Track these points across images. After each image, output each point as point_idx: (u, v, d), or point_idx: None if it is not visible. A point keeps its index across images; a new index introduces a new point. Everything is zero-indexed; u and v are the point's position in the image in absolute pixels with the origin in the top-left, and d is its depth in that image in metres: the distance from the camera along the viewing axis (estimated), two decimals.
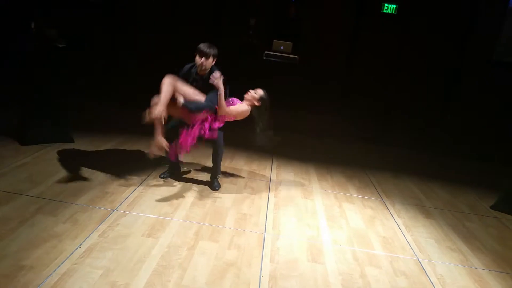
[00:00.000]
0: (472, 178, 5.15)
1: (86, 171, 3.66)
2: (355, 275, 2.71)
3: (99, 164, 3.84)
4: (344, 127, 6.72)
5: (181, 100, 3.28)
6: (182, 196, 3.49)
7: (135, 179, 3.66)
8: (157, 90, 3.24)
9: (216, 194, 3.65)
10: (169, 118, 3.38)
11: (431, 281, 2.76)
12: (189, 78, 3.48)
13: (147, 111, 3.25)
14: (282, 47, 6.80)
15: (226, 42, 6.94)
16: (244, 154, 4.82)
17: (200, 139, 3.45)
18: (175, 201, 3.37)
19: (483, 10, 7.07)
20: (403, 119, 7.23)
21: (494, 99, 7.10)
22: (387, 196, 4.17)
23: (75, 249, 2.51)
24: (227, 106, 3.50)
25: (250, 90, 3.69)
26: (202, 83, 3.43)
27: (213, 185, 3.74)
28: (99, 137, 4.62)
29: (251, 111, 3.66)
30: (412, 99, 7.39)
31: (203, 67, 3.40)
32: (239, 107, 3.60)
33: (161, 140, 3.32)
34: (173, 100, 3.27)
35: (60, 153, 4.00)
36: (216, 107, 3.42)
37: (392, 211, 3.83)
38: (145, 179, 3.70)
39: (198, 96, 3.38)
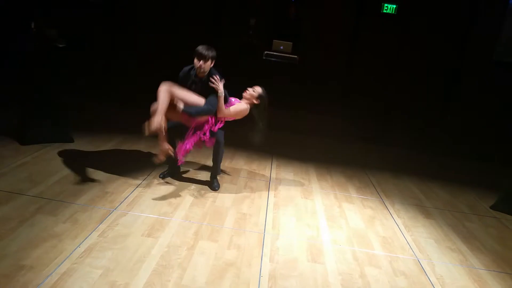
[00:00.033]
0: (472, 178, 5.14)
1: (86, 171, 3.67)
2: (355, 275, 2.71)
3: (99, 164, 3.84)
4: (344, 127, 6.72)
5: (180, 106, 3.26)
6: (182, 196, 3.49)
7: (135, 179, 3.66)
8: (157, 90, 3.23)
9: (215, 194, 3.65)
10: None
11: (430, 281, 2.76)
12: (188, 81, 3.47)
13: (147, 123, 3.22)
14: (282, 47, 6.80)
15: (226, 42, 6.96)
16: (244, 154, 4.82)
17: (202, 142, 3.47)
18: (174, 201, 3.37)
19: (483, 10, 7.08)
20: (403, 119, 7.23)
21: (494, 99, 7.10)
22: (387, 196, 4.17)
23: (75, 249, 2.51)
24: (226, 107, 3.50)
25: (248, 88, 3.67)
26: (201, 86, 3.43)
27: (213, 185, 3.74)
28: (99, 137, 4.62)
29: (250, 110, 3.65)
30: (412, 99, 7.39)
31: (202, 70, 3.38)
32: (238, 107, 3.59)
33: (166, 146, 3.36)
34: (172, 105, 3.26)
35: (60, 153, 4.00)
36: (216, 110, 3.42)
37: (391, 211, 3.83)
38: (144, 179, 3.70)
39: (197, 100, 3.37)
